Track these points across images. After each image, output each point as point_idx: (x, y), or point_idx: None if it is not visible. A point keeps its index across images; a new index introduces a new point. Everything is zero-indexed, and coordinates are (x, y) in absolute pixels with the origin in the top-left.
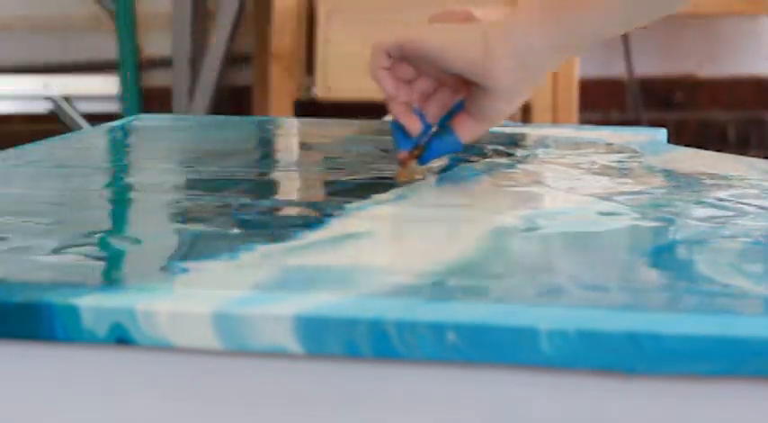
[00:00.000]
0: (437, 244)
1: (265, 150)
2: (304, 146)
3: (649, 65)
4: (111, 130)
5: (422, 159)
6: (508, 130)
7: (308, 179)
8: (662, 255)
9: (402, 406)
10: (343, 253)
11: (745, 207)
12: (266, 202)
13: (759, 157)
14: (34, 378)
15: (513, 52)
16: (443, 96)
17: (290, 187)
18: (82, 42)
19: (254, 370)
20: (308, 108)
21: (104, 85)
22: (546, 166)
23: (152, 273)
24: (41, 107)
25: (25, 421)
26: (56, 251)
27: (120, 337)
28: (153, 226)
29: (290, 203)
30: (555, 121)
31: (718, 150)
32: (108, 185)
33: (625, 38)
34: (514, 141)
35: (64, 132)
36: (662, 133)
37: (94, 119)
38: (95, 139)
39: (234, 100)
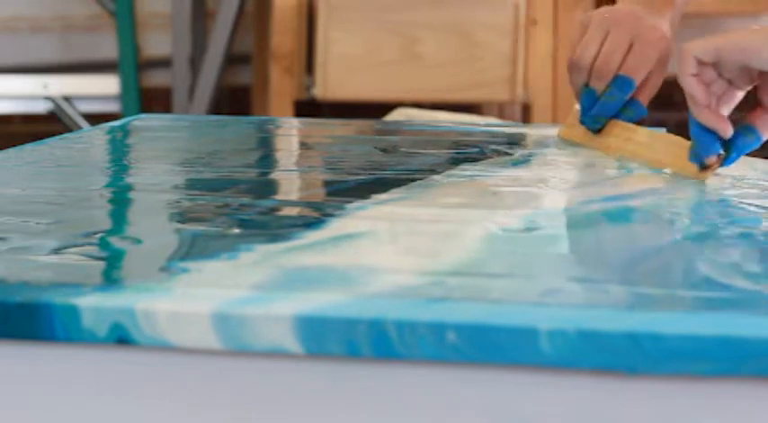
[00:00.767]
0: (437, 244)
1: (265, 150)
2: (304, 146)
3: None
4: (111, 130)
5: (728, 161)
6: (508, 130)
7: (308, 179)
8: (662, 255)
9: (402, 406)
10: (343, 253)
11: (746, 207)
12: (266, 202)
13: (759, 157)
14: (34, 378)
15: None
16: (731, 96)
17: (290, 187)
18: (82, 42)
19: (254, 370)
20: (308, 108)
21: (104, 85)
22: (546, 166)
23: (152, 273)
24: (41, 107)
25: (25, 421)
26: (56, 251)
27: (120, 337)
28: (153, 226)
29: (290, 203)
30: (555, 121)
31: None
32: (108, 185)
33: None
34: (514, 141)
35: (64, 132)
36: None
37: (94, 119)
38: (95, 139)
39: (234, 100)
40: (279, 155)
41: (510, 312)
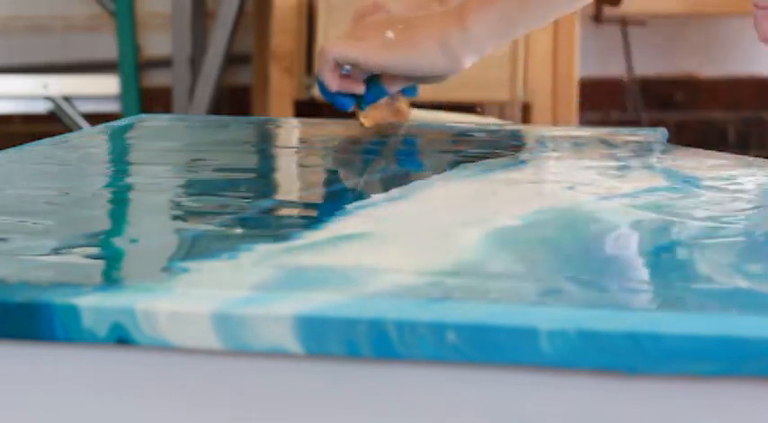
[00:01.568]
0: (437, 244)
1: (265, 150)
2: (304, 146)
3: (649, 65)
4: (112, 130)
5: (364, 104)
6: (508, 130)
7: (307, 179)
8: (662, 254)
9: (402, 406)
10: (343, 253)
11: (745, 207)
12: (266, 202)
13: (759, 157)
14: (34, 378)
15: (474, 52)
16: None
17: (290, 187)
18: (82, 42)
19: (254, 370)
20: (308, 108)
21: (104, 85)
22: (546, 167)
23: (152, 273)
24: (41, 107)
25: (25, 421)
26: (56, 251)
27: (120, 337)
28: (153, 226)
29: (290, 203)
30: (555, 121)
31: (718, 150)
32: (108, 185)
33: (625, 38)
34: (514, 141)
35: (64, 132)
36: (662, 133)
37: (94, 119)
38: (95, 139)
39: (234, 100)
40: (279, 155)
41: (510, 312)
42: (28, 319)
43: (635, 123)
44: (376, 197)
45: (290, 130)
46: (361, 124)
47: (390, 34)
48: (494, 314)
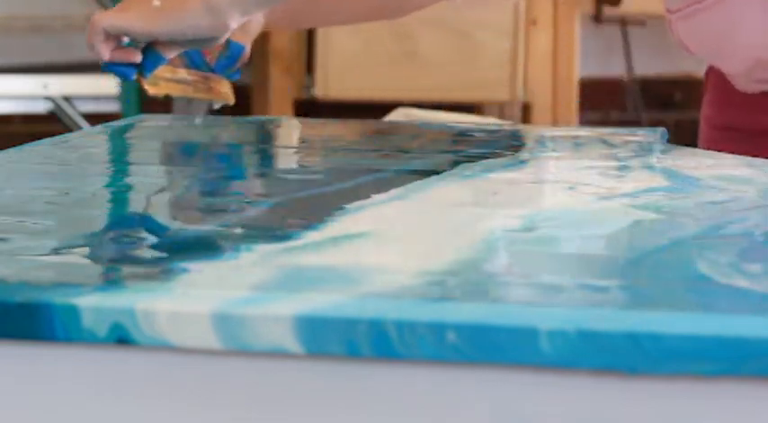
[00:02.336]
0: (437, 244)
1: (265, 150)
2: (304, 146)
3: (649, 65)
4: (111, 130)
5: (144, 71)
6: (508, 130)
7: (307, 179)
8: (662, 254)
9: (402, 406)
10: (343, 253)
11: (745, 207)
12: (266, 203)
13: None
14: (34, 378)
15: (239, 11)
16: None
17: (290, 187)
18: (82, 42)
19: (254, 370)
20: (308, 108)
21: (104, 85)
22: (545, 167)
23: (152, 273)
24: (41, 107)
25: (25, 421)
26: (56, 251)
27: (120, 337)
28: (153, 226)
29: (290, 203)
30: (555, 121)
31: None
32: (108, 185)
33: (625, 38)
34: (514, 141)
35: (64, 132)
36: (662, 133)
37: (94, 119)
38: (95, 139)
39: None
40: (279, 155)
41: (510, 312)
42: (28, 319)
43: (635, 123)
44: (376, 197)
45: (290, 130)
46: (146, 92)
47: (157, 2)
48: (494, 314)
